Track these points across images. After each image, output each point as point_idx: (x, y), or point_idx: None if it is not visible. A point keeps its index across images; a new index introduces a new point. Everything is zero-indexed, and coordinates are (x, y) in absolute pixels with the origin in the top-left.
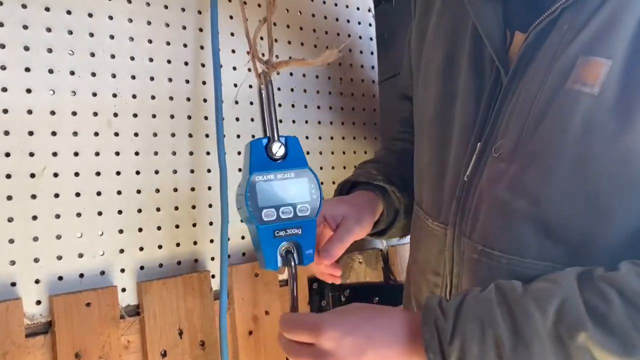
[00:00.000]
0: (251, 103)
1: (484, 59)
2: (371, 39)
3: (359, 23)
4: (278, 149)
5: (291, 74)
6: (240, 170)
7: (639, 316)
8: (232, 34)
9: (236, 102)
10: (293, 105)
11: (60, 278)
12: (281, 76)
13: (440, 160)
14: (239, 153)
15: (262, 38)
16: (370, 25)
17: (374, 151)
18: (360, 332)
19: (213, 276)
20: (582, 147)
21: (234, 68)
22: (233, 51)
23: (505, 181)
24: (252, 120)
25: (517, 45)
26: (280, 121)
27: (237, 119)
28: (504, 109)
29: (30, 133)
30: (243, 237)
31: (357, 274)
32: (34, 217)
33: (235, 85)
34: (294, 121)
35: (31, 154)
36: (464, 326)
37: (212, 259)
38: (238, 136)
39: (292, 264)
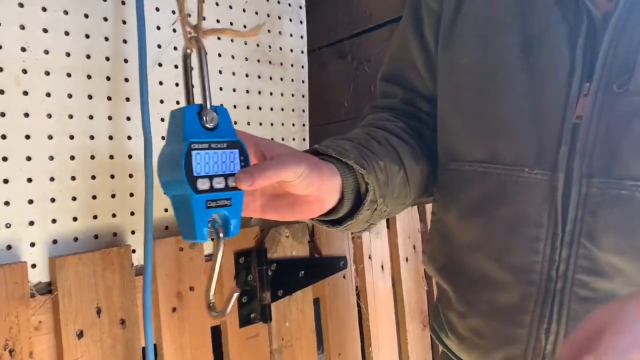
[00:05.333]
0: (175, 66)
1: (566, 9)
2: (300, 7)
3: None
4: (212, 118)
5: (219, 38)
6: (163, 138)
7: None
8: None
9: (159, 65)
10: (220, 72)
11: None
12: (208, 40)
13: (532, 107)
14: (163, 120)
15: None
16: None
17: (302, 123)
18: None
19: (134, 251)
20: None
21: (158, 27)
22: (157, 9)
23: None
24: (177, 85)
25: None
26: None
27: (161, 83)
28: (614, 49)
29: None
30: (166, 210)
31: (284, 248)
32: None
33: (160, 47)
34: (221, 88)
35: None
36: None
37: (133, 232)
38: (161, 101)
39: (221, 235)
